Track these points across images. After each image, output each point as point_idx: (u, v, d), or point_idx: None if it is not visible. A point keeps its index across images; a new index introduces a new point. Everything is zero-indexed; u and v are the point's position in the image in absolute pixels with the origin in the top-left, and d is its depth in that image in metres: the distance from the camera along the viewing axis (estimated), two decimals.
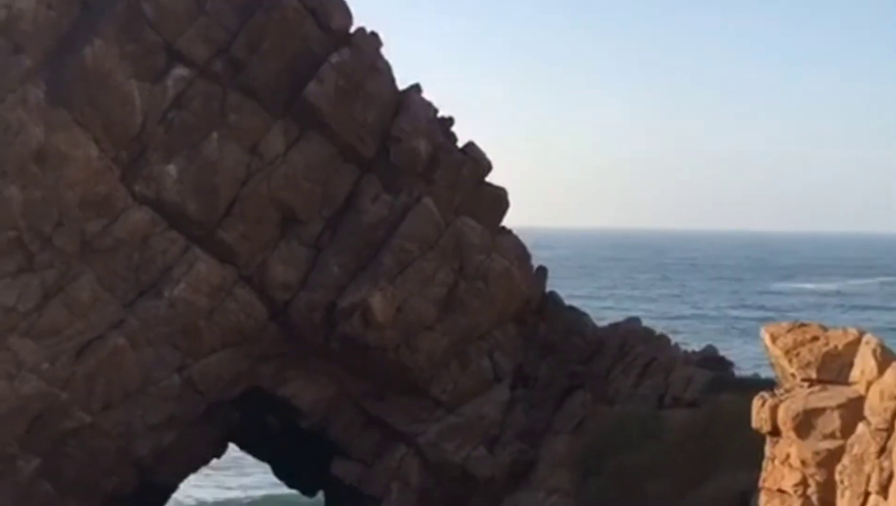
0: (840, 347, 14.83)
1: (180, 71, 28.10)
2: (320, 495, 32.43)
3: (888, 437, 13.24)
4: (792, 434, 14.47)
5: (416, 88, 30.78)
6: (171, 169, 27.72)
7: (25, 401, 26.05)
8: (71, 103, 27.01)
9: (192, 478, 32.17)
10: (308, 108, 28.83)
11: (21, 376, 26.07)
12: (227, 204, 28.20)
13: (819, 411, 14.30)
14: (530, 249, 31.95)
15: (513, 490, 28.97)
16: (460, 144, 31.05)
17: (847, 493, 13.65)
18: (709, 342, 34.06)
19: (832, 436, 14.20)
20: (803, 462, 14.39)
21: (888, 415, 13.31)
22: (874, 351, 14.03)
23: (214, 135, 28.09)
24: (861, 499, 13.44)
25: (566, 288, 33.99)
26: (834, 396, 14.42)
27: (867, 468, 13.37)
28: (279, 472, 32.96)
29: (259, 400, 29.68)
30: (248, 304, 28.45)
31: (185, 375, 28.09)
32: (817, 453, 14.25)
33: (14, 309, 26.19)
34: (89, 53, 27.05)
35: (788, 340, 15.15)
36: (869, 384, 13.88)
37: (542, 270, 31.97)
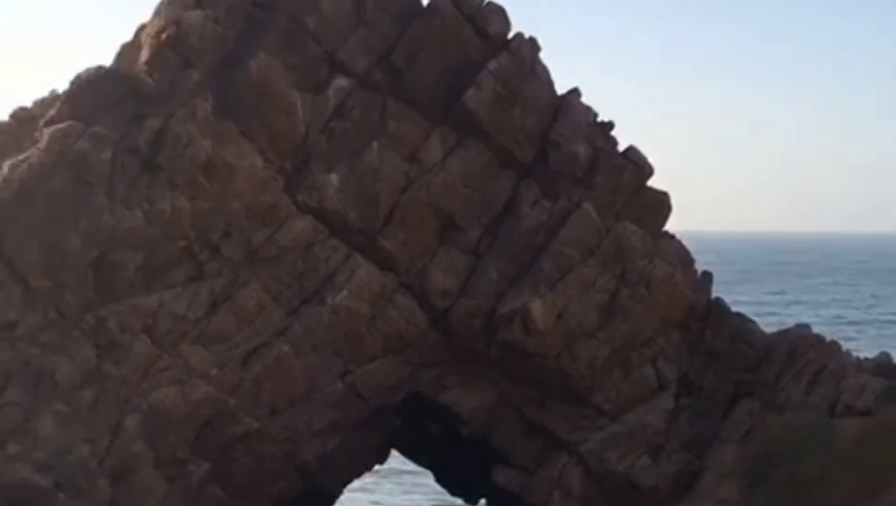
0: None
1: (341, 81, 28.48)
2: (482, 503, 32.35)
3: None
4: None
5: (574, 92, 30.50)
6: (333, 178, 28.11)
7: (195, 407, 26.75)
8: (237, 116, 27.66)
9: (356, 484, 32.58)
10: (466, 115, 28.86)
11: (191, 383, 26.79)
12: (387, 212, 28.43)
13: None
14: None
15: (677, 501, 28.38)
16: (621, 147, 30.60)
17: None
18: (883, 349, 32.81)
19: None
20: None
21: None
22: None
23: (374, 144, 28.38)
24: None
25: (729, 294, 33.11)
26: None
27: None
28: (441, 479, 33.02)
29: (420, 407, 29.81)
30: (409, 311, 28.61)
31: (347, 381, 28.43)
32: None
33: (184, 317, 26.92)
34: (254, 66, 27.66)
35: None
36: None
37: (707, 276, 31.23)
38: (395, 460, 33.60)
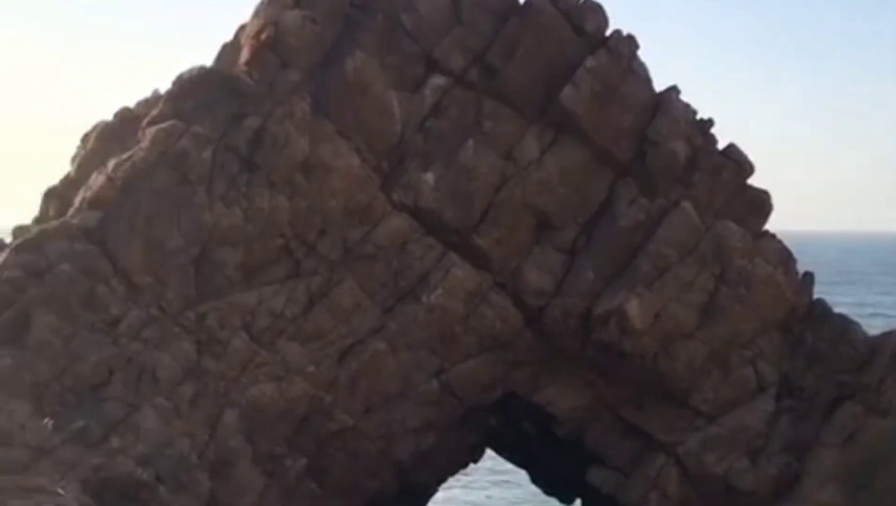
0: None
1: (437, 80, 28.52)
2: (577, 503, 32.17)
3: None
4: None
5: (673, 90, 30.10)
6: (429, 177, 28.16)
7: (292, 403, 27.03)
8: (334, 115, 27.86)
9: (450, 482, 32.62)
10: (563, 113, 28.68)
11: (288, 379, 27.08)
12: (482, 210, 28.39)
13: None
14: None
15: (776, 504, 27.84)
16: (720, 145, 30.14)
17: None
18: None
19: None
20: None
21: None
22: None
23: (470, 142, 28.36)
24: None
25: (829, 296, 32.38)
26: None
27: None
28: (536, 478, 32.89)
29: (515, 406, 29.72)
30: (504, 309, 28.53)
31: (442, 379, 28.47)
32: None
33: (282, 314, 27.22)
34: (351, 66, 27.84)
35: None
36: None
37: (809, 276, 30.59)
38: (490, 458, 33.56)
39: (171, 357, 25.96)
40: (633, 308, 27.94)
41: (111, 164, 27.21)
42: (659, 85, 29.94)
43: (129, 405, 25.10)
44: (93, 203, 26.73)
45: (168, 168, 26.69)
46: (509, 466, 34.81)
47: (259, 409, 26.64)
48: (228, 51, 28.93)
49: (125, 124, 29.08)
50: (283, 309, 27.28)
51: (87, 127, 30.12)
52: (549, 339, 28.91)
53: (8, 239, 27.22)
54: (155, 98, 29.06)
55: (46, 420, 23.79)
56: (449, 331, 28.22)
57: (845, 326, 30.02)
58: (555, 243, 28.89)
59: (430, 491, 31.12)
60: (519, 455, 32.33)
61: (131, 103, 29.94)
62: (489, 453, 32.25)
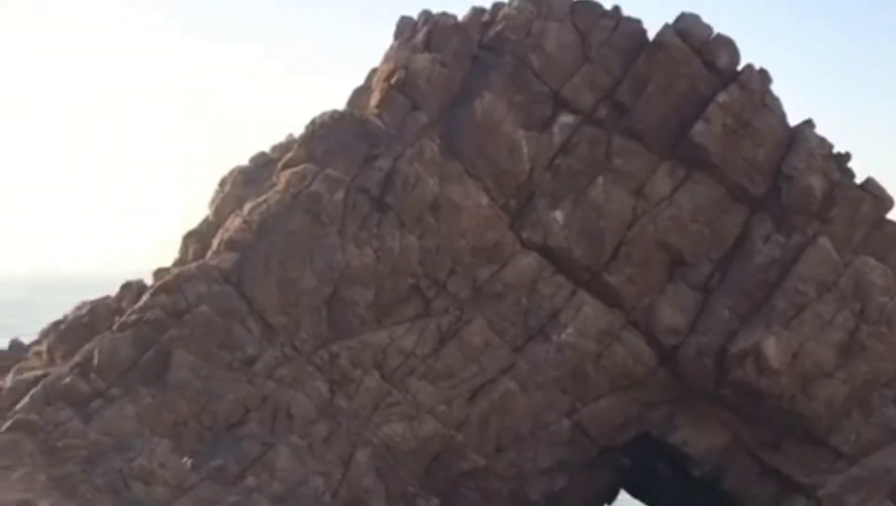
0: None
1: (566, 118, 28.51)
2: None
3: None
4: None
5: (808, 124, 29.49)
6: (558, 214, 28.09)
7: (424, 442, 27.08)
8: (463, 155, 28.06)
9: None
10: (695, 149, 28.33)
11: (420, 418, 27.15)
12: (613, 247, 28.17)
13: None
14: None
15: None
16: (859, 179, 29.36)
17: None
18: None
19: None
20: None
21: None
22: None
23: (600, 179, 28.22)
24: None
25: None
26: None
27: None
28: None
29: (649, 446, 29.24)
30: (636, 348, 28.19)
31: (574, 419, 28.21)
32: None
33: (413, 353, 27.37)
34: (479, 106, 28.03)
35: None
36: None
37: None
38: (625, 501, 33.05)
39: (304, 396, 26.29)
40: (771, 347, 27.28)
41: (247, 207, 27.84)
42: (794, 118, 29.43)
43: (265, 444, 25.45)
44: (229, 245, 27.35)
45: (301, 210, 27.17)
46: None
47: (391, 448, 26.76)
48: (360, 94, 29.48)
49: (260, 168, 29.77)
50: (413, 348, 27.42)
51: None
52: (683, 378, 28.42)
53: (149, 281, 28.01)
54: (289, 142, 29.72)
55: (185, 459, 24.29)
56: (580, 370, 27.97)
57: None
58: (688, 281, 28.46)
59: None
60: (654, 497, 31.76)
61: (266, 148, 30.70)
62: (623, 494, 31.75)
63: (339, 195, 27.44)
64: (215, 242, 28.04)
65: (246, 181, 29.82)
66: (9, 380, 25.78)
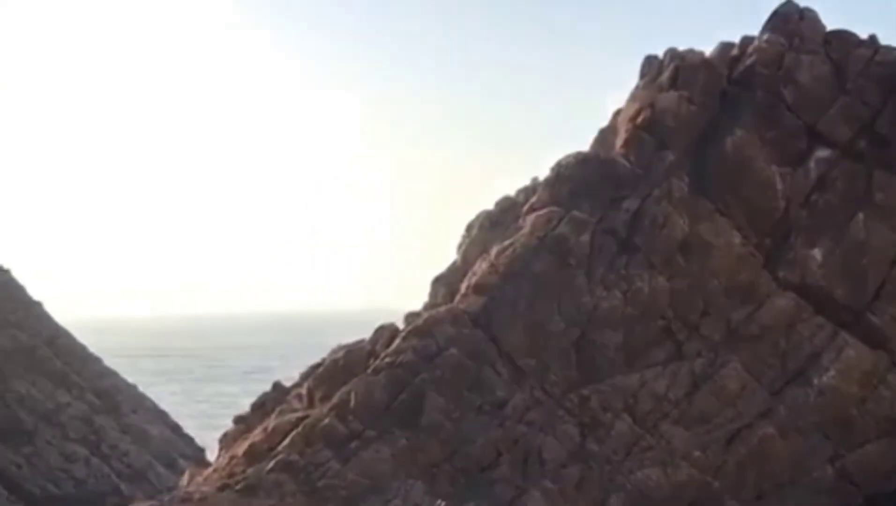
0: None
1: (822, 152, 27.56)
2: None
3: None
4: None
5: None
6: (816, 253, 27.10)
7: (679, 488, 26.40)
8: (713, 193, 27.48)
9: None
10: None
11: (674, 464, 26.50)
12: (877, 286, 26.93)
13: None
14: None
15: None
16: None
17: None
18: None
19: None
20: None
21: None
22: None
23: (860, 215, 27.09)
24: None
25: None
26: None
27: None
28: None
29: None
30: None
31: (837, 466, 26.90)
32: None
33: (665, 397, 26.81)
34: (730, 143, 27.46)
35: None
36: None
37: None
38: None
39: (555, 439, 26.14)
40: None
41: (494, 250, 28.07)
42: None
43: (517, 487, 25.42)
44: (477, 289, 27.62)
45: (548, 253, 27.19)
46: None
47: (645, 493, 26.21)
48: (605, 135, 29.34)
49: (506, 212, 29.97)
50: (666, 392, 26.86)
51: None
52: None
53: (401, 324, 28.58)
54: (534, 185, 29.84)
55: (440, 502, 24.52)
56: (844, 414, 26.71)
57: None
58: None
59: None
60: None
61: (511, 191, 30.92)
62: None
63: (586, 237, 27.32)
64: (463, 286, 28.38)
65: (492, 225, 30.09)
66: (272, 421, 26.75)
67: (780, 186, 27.31)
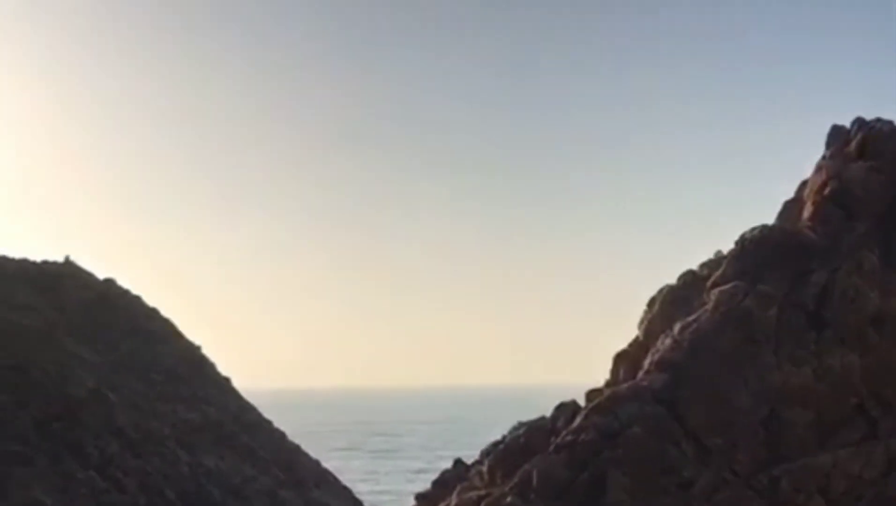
0: None
1: None
2: None
3: None
4: None
5: None
6: None
7: None
8: None
9: None
10: None
11: None
12: None
13: None
14: None
15: None
16: None
17: None
18: None
19: None
20: None
21: None
22: None
23: None
24: None
25: None
26: None
27: None
28: None
29: None
30: None
31: None
32: None
33: (859, 477, 25.74)
34: None
35: None
36: None
37: None
38: None
39: None
40: None
41: (677, 326, 27.62)
42: None
43: None
44: (660, 365, 27.18)
45: (733, 328, 26.60)
46: None
47: None
48: (791, 207, 28.70)
49: (689, 287, 29.51)
50: (860, 472, 25.78)
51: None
52: None
53: (582, 402, 28.32)
54: (717, 259, 29.33)
55: None
56: None
57: None
58: None
59: None
60: None
61: (693, 266, 30.46)
62: None
63: (773, 312, 26.65)
64: (646, 363, 27.97)
65: (674, 300, 29.65)
66: (453, 499, 26.76)
67: None
